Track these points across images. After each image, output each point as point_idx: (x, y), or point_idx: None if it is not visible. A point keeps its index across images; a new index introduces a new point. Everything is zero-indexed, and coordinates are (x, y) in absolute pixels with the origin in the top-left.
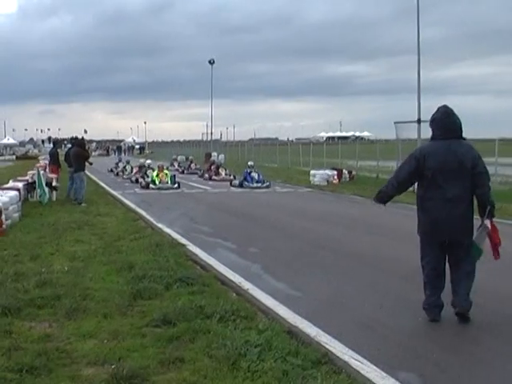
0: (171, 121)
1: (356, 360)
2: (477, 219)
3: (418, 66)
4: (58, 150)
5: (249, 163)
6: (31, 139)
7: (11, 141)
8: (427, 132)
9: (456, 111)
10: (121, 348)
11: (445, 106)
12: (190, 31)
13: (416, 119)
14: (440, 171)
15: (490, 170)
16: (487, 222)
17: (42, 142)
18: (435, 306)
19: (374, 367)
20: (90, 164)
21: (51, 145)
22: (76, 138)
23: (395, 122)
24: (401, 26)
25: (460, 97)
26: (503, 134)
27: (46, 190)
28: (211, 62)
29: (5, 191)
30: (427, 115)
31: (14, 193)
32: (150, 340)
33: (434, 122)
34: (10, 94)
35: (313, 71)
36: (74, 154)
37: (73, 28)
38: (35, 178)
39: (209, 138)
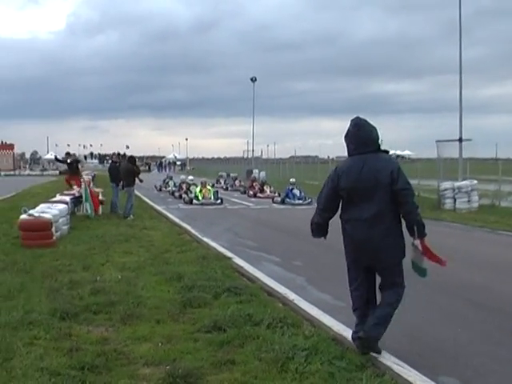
0: (213, 138)
1: (397, 365)
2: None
3: (459, 85)
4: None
5: (291, 180)
6: (73, 154)
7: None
8: (469, 151)
9: (499, 130)
10: (175, 351)
11: (357, 118)
12: (234, 49)
13: (458, 138)
14: (354, 190)
15: None
16: (417, 243)
17: (85, 157)
18: None
19: (415, 371)
20: (141, 181)
21: (95, 160)
22: (118, 153)
23: (437, 141)
24: (446, 44)
25: (504, 115)
26: None
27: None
28: (253, 80)
29: (54, 204)
30: (470, 134)
31: (63, 206)
32: (202, 344)
33: (347, 136)
34: (55, 109)
35: (356, 90)
36: (125, 169)
37: (119, 45)
38: (82, 193)
39: (250, 155)
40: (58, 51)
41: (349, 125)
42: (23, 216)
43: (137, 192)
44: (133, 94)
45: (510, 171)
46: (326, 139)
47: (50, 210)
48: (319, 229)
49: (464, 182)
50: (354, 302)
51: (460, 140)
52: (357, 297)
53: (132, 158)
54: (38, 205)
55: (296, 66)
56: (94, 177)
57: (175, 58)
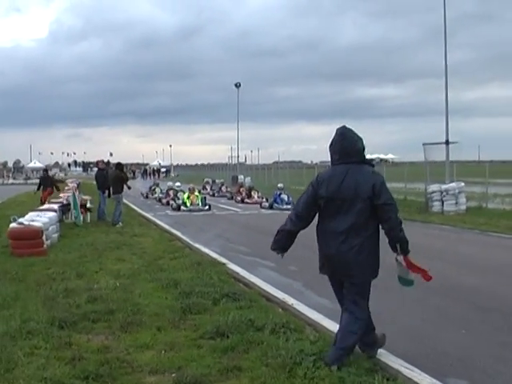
0: (196, 144)
1: (406, 368)
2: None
3: (445, 88)
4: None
5: (278, 185)
6: (56, 163)
7: (38, 164)
8: (455, 153)
9: (481, 132)
10: (179, 358)
11: (342, 127)
12: (218, 56)
13: (444, 140)
14: (332, 200)
15: None
16: (400, 259)
17: (69, 165)
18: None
19: (425, 374)
20: (129, 188)
21: (79, 168)
22: (102, 161)
23: (424, 144)
24: (428, 49)
25: (487, 119)
26: None
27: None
28: (237, 86)
29: (43, 212)
30: (453, 137)
31: (52, 214)
32: (206, 351)
33: (332, 145)
34: (37, 117)
35: (340, 95)
36: (114, 176)
37: (102, 53)
38: (70, 200)
39: (234, 161)
40: (41, 59)
41: (334, 134)
42: (13, 225)
43: (124, 199)
44: (116, 102)
45: (494, 173)
46: (310, 144)
47: (40, 218)
48: (287, 238)
49: (451, 185)
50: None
51: (447, 143)
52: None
53: (120, 165)
54: (24, 213)
55: (279, 72)
56: (79, 184)
57: (159, 65)
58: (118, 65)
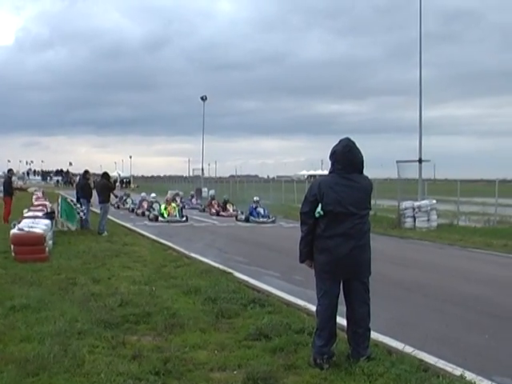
0: (153, 156)
1: (450, 367)
2: None
3: (419, 106)
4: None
5: (254, 198)
6: (10, 170)
7: None
8: (426, 172)
9: (441, 151)
10: (235, 357)
11: (347, 139)
12: (182, 68)
13: (417, 158)
14: (341, 206)
15: (491, 209)
16: None
17: (27, 173)
18: (330, 357)
19: (469, 372)
20: (116, 196)
21: (38, 177)
22: (61, 170)
23: (397, 161)
24: (390, 67)
25: (445, 137)
26: (486, 174)
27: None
28: (203, 99)
29: (37, 220)
30: (412, 155)
31: (48, 221)
32: (257, 350)
33: (335, 154)
34: None
35: (300, 109)
36: (101, 185)
37: (67, 61)
38: (54, 208)
39: (194, 173)
40: (5, 66)
41: (337, 144)
42: (14, 230)
43: (96, 210)
44: (76, 111)
45: (452, 192)
46: (267, 159)
47: (38, 225)
48: (308, 244)
49: (424, 202)
50: (325, 320)
51: (420, 161)
52: (329, 312)
53: (107, 175)
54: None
55: (242, 85)
56: (43, 193)
57: (123, 76)
58: (81, 74)
